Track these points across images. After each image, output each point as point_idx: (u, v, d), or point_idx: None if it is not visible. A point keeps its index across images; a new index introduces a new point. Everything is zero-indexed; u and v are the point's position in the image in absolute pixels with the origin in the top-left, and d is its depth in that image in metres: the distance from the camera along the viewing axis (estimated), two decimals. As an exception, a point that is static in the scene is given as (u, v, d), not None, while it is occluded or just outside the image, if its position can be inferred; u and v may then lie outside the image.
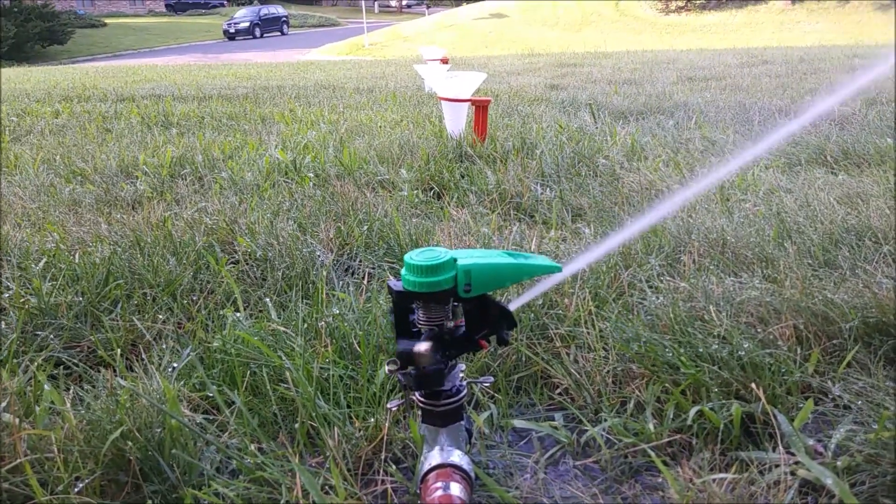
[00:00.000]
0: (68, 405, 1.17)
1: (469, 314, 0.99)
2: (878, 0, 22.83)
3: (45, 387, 1.20)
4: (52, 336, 1.52)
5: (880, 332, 1.38)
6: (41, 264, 1.84)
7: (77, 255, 1.88)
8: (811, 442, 1.11)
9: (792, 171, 2.79)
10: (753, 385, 1.19)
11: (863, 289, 1.51)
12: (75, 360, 1.44)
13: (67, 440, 1.10)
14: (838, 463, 1.05)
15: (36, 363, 1.38)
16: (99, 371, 1.38)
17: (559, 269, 0.99)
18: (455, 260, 0.95)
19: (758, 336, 1.37)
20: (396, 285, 0.97)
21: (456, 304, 0.99)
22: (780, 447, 1.09)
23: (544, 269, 0.99)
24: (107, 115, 5.37)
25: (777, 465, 1.06)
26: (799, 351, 1.33)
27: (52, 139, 4.23)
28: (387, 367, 1.00)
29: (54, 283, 1.73)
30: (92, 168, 3.21)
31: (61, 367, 1.43)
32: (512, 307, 1.02)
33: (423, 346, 0.95)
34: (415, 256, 0.95)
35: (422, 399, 1.02)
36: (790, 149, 3.15)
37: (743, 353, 1.27)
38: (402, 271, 0.97)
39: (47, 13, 29.71)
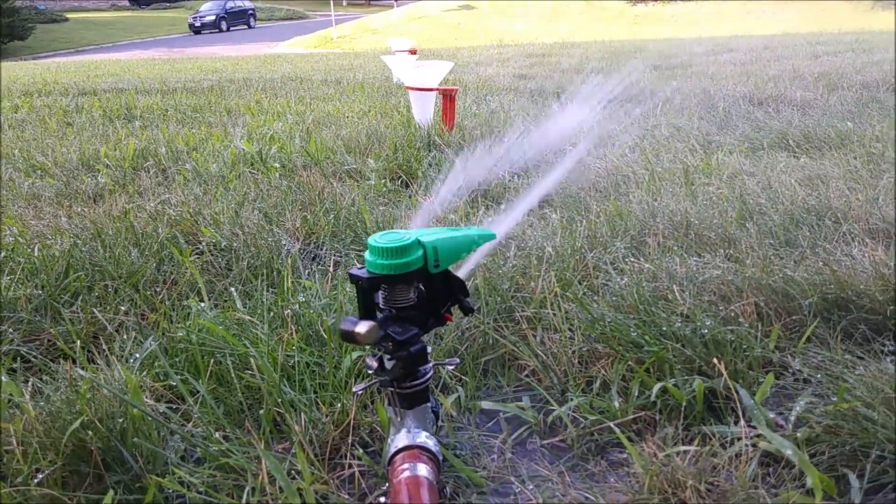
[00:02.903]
0: (27, 397, 1.14)
1: (434, 289, 0.99)
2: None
3: (3, 378, 1.17)
4: (10, 330, 1.48)
5: (839, 307, 1.41)
6: (-1, 258, 1.80)
7: (36, 249, 1.84)
8: (772, 415, 1.13)
9: (755, 155, 2.83)
10: (715, 361, 1.20)
11: (822, 266, 1.54)
12: (35, 353, 1.41)
13: (27, 432, 1.07)
14: (798, 434, 1.07)
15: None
16: (59, 363, 1.35)
17: (494, 237, 1.09)
18: (419, 239, 0.95)
19: (720, 314, 1.39)
20: (361, 272, 0.96)
21: (418, 282, 0.99)
22: (742, 421, 1.10)
23: (485, 238, 1.07)
24: (68, 108, 5.25)
25: (739, 438, 1.07)
26: (760, 327, 1.35)
27: (12, 133, 4.13)
28: (368, 361, 1.00)
29: (13, 276, 1.69)
30: (52, 162, 3.14)
31: (20, 359, 1.40)
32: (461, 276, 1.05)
33: (363, 327, 0.90)
34: (379, 239, 0.95)
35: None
36: (753, 133, 3.20)
37: (705, 330, 1.29)
38: (367, 255, 0.96)
39: (7, 9, 28.90)
